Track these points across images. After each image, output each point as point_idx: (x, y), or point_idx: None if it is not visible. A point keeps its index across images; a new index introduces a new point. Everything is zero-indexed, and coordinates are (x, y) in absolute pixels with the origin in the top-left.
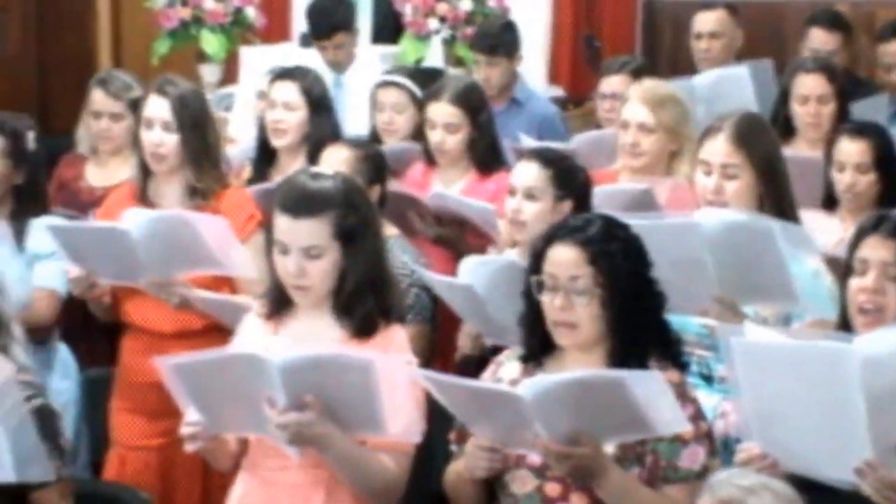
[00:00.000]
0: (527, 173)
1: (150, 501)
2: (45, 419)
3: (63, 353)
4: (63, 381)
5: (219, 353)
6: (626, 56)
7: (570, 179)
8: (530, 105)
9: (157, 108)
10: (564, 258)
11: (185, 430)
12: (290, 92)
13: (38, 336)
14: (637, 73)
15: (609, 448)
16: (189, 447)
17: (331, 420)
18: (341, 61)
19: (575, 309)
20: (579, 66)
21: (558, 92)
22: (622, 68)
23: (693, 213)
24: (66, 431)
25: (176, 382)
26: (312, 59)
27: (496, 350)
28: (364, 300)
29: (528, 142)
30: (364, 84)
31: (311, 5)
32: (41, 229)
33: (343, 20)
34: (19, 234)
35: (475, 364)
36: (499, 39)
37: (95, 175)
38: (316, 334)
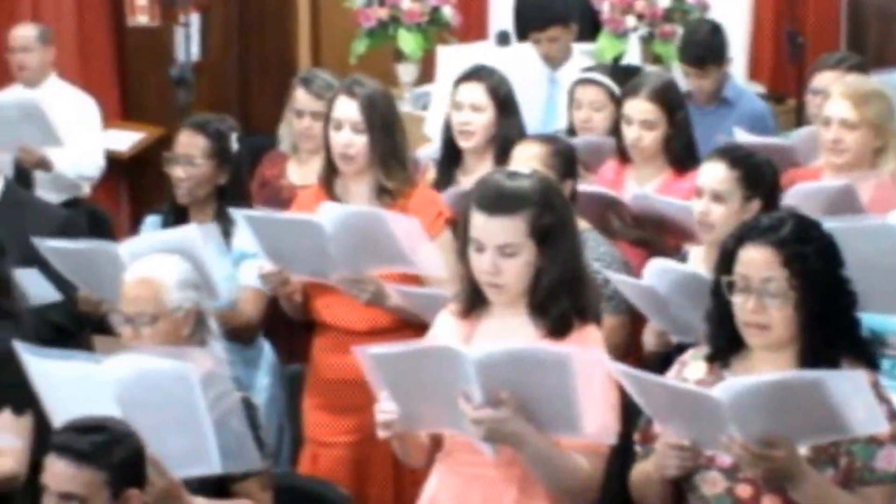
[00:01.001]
0: (714, 174)
1: (349, 498)
2: (247, 412)
3: (266, 351)
4: (266, 377)
5: (417, 346)
6: (843, 52)
7: (758, 178)
8: (741, 103)
9: (346, 108)
10: (757, 259)
11: (379, 415)
12: (476, 93)
13: (245, 334)
14: (852, 71)
15: (802, 450)
16: (382, 433)
17: (526, 418)
18: (555, 56)
19: (768, 311)
20: (781, 62)
21: (759, 88)
22: (838, 64)
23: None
24: (266, 425)
25: (373, 372)
26: (521, 53)
27: (680, 348)
28: (559, 299)
29: (744, 137)
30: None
31: None
32: (247, 230)
33: (560, 14)
34: (225, 234)
35: (659, 362)
36: (707, 50)
37: (296, 173)
38: (510, 333)
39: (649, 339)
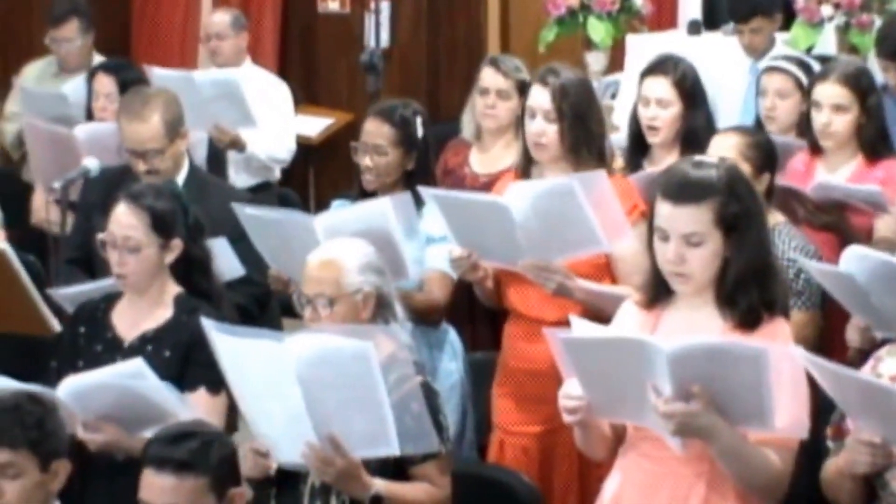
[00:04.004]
0: None
1: (533, 488)
2: (426, 395)
3: (451, 335)
4: (451, 362)
5: (609, 334)
6: None
7: None
8: None
9: (539, 97)
10: None
11: (564, 401)
12: (661, 88)
13: (430, 317)
14: None
15: None
16: (568, 418)
17: (716, 411)
18: (757, 47)
19: None
20: None
21: None
22: None
23: None
24: (446, 409)
25: (563, 357)
26: (721, 43)
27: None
28: (747, 291)
29: None
30: None
31: None
32: (434, 212)
33: (764, 4)
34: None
35: (864, 358)
36: None
37: (478, 161)
38: (696, 325)
39: (853, 336)
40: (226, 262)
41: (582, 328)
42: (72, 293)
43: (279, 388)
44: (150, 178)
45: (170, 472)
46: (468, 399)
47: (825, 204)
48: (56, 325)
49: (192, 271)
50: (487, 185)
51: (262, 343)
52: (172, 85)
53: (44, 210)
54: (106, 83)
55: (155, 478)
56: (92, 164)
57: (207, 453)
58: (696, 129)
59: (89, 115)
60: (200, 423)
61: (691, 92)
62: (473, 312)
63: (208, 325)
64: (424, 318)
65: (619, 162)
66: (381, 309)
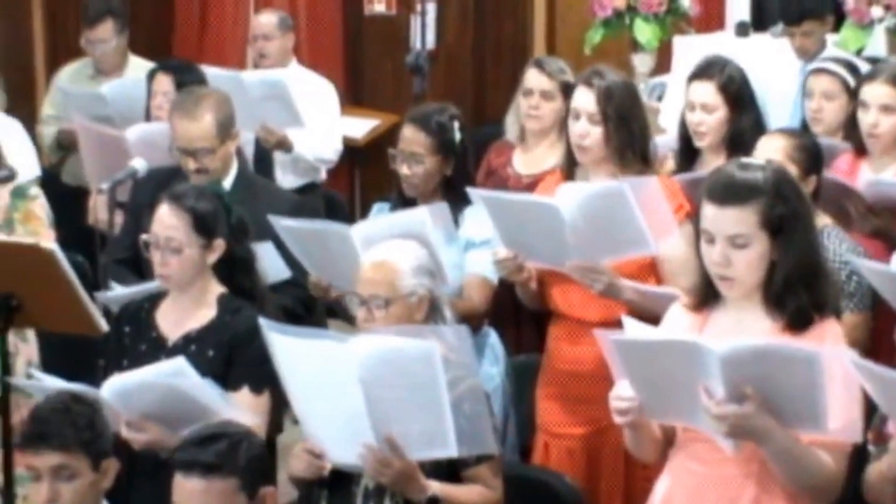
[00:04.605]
0: None
1: (577, 489)
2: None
3: (492, 339)
4: (492, 366)
5: (661, 337)
6: None
7: None
8: None
9: (583, 99)
10: None
11: (615, 402)
12: (707, 93)
13: (470, 322)
14: None
15: None
16: (619, 419)
17: (768, 412)
18: (808, 49)
19: None
20: None
21: None
22: None
23: None
24: (495, 412)
25: (614, 359)
26: (772, 45)
27: None
28: (796, 293)
29: None
30: None
31: None
32: (474, 217)
33: (813, 7)
34: (453, 222)
35: None
36: None
37: (522, 162)
38: (744, 327)
39: None
40: (272, 264)
41: (634, 329)
42: (118, 296)
43: (338, 388)
44: (200, 177)
45: (198, 475)
46: (510, 402)
47: (877, 206)
48: (104, 326)
49: (235, 272)
50: (531, 185)
51: (324, 344)
52: (222, 85)
53: (98, 210)
54: (164, 82)
55: (184, 481)
56: (140, 164)
57: (235, 454)
58: (742, 132)
59: (147, 115)
60: (228, 424)
61: (738, 95)
62: (518, 315)
63: (265, 325)
64: (465, 323)
65: (669, 164)
66: (432, 312)
